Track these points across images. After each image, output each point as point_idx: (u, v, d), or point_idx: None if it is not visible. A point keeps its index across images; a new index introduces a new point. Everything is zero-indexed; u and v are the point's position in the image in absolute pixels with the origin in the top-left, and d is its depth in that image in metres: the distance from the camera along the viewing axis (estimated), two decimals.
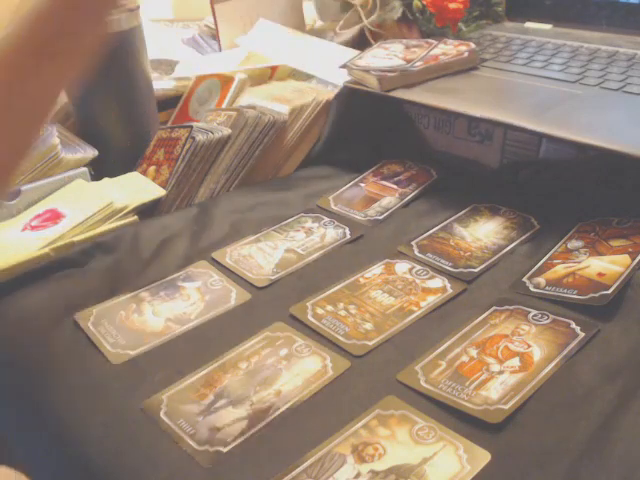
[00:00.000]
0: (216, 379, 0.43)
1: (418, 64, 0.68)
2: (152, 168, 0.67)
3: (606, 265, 0.49)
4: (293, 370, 0.43)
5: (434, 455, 0.36)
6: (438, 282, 0.51)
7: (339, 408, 0.40)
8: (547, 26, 0.83)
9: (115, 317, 0.49)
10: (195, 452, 0.37)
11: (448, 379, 0.41)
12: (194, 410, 0.40)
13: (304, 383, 0.42)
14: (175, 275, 0.54)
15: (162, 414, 0.40)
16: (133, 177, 0.66)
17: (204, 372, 0.43)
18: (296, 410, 0.40)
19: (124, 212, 0.60)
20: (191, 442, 0.38)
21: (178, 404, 0.41)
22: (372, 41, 0.86)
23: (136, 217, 0.61)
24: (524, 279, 0.50)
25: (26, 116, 0.33)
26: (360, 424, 0.38)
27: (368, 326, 0.46)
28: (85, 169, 0.66)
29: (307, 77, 0.83)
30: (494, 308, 0.47)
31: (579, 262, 0.50)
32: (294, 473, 0.35)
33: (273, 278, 0.53)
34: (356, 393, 0.41)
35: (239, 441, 0.38)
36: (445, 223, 0.59)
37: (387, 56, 0.71)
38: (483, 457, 0.35)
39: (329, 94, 0.73)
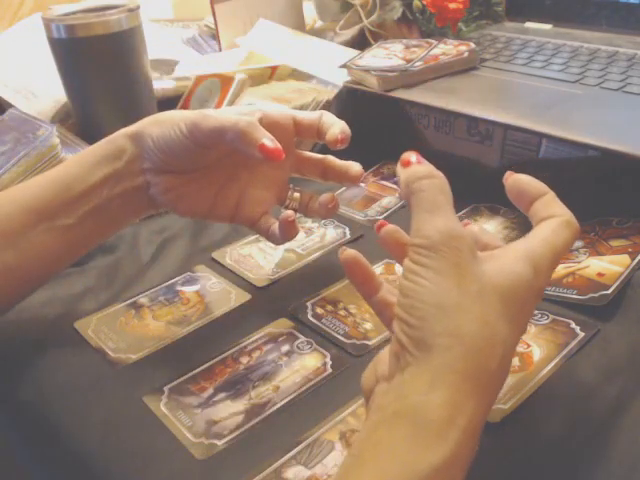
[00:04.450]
0: (217, 373, 0.43)
1: (418, 64, 0.68)
2: None
3: (606, 265, 0.49)
4: (293, 366, 0.43)
5: None
6: None
7: (337, 405, 0.40)
8: (547, 26, 0.83)
9: (115, 323, 0.49)
10: (191, 444, 0.38)
11: None
12: (193, 403, 0.41)
13: (302, 380, 0.42)
14: (174, 280, 0.54)
15: (162, 405, 0.41)
16: None
17: (206, 366, 0.44)
18: (292, 406, 0.40)
19: None
20: (188, 434, 0.38)
21: (178, 396, 0.41)
22: (372, 41, 0.86)
23: None
24: None
25: None
26: (347, 412, 0.39)
27: (368, 326, 0.46)
28: None
29: (307, 77, 0.83)
30: None
31: (579, 262, 0.50)
32: (283, 459, 0.36)
33: (273, 278, 0.53)
34: (356, 391, 0.41)
35: (234, 435, 0.38)
36: None
37: (387, 56, 0.71)
38: None
39: (329, 94, 0.73)
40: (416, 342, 0.29)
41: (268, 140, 0.42)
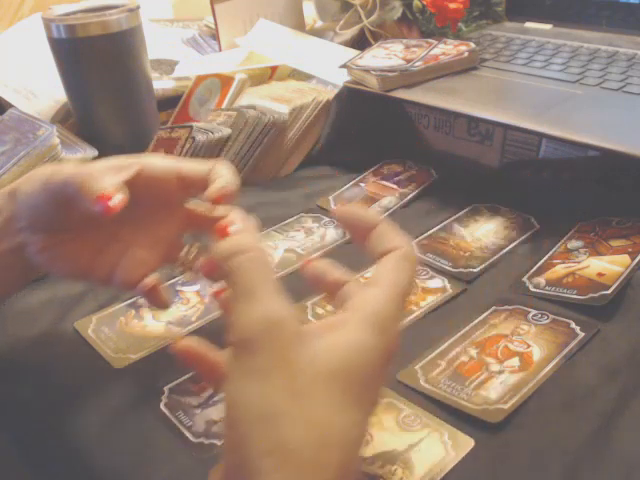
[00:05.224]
0: None
1: (418, 64, 0.68)
2: None
3: (606, 265, 0.49)
4: None
5: (419, 441, 0.36)
6: (438, 282, 0.51)
7: None
8: (547, 26, 0.83)
9: (115, 323, 0.49)
10: (191, 444, 0.38)
11: (448, 379, 0.41)
12: (193, 403, 0.41)
13: None
14: (174, 280, 0.54)
15: (162, 405, 0.41)
16: None
17: None
18: None
19: None
20: (188, 434, 0.38)
21: (178, 396, 0.41)
22: (372, 41, 0.86)
23: None
24: (524, 279, 0.50)
25: None
26: None
27: None
28: None
29: (307, 77, 0.83)
30: (494, 308, 0.47)
31: (579, 262, 0.50)
32: None
33: None
34: None
35: None
36: (445, 223, 0.59)
37: (387, 56, 0.71)
38: (467, 443, 0.36)
39: (329, 94, 0.73)
40: (241, 469, 0.25)
41: (107, 193, 0.37)
